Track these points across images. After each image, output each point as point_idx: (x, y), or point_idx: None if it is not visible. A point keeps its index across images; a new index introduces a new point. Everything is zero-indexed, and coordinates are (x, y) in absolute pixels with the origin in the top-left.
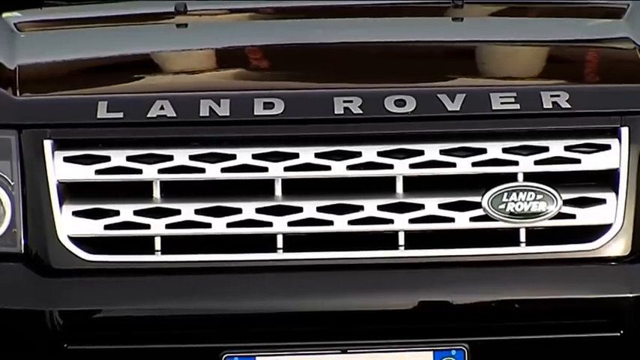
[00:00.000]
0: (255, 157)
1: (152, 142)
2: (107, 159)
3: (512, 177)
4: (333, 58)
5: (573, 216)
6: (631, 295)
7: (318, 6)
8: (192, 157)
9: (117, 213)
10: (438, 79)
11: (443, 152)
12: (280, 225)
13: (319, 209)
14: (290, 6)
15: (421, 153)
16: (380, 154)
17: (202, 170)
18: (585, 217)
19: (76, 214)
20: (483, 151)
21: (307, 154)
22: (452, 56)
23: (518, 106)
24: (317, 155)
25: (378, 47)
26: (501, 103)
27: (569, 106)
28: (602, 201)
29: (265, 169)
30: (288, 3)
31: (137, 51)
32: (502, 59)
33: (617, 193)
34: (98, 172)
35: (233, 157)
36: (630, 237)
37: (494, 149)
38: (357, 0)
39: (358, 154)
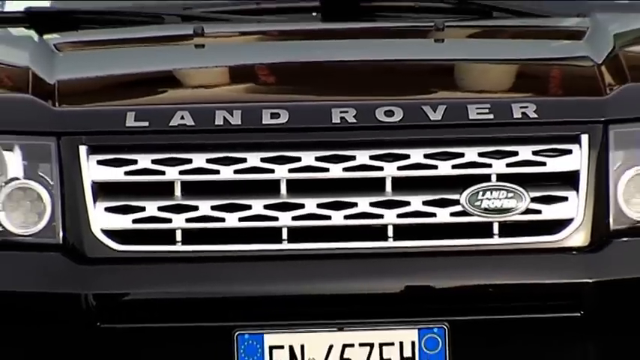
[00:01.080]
0: (263, 160)
1: (173, 147)
2: (134, 162)
3: (487, 177)
4: (330, 74)
5: (539, 212)
6: (590, 281)
7: (317, 29)
8: (208, 161)
9: (143, 209)
10: (422, 93)
11: (426, 156)
12: (285, 219)
13: (319, 205)
14: (293, 29)
15: (407, 157)
16: (371, 157)
17: (217, 172)
18: (550, 212)
19: (107, 209)
20: (461, 155)
21: (308, 158)
22: (434, 73)
23: (492, 116)
24: (317, 159)
25: (369, 65)
26: (477, 114)
27: (536, 116)
28: (565, 199)
29: (272, 171)
30: (291, 26)
31: (160, 68)
32: (478, 75)
33: (577, 192)
34: (127, 173)
35: (244, 160)
36: (589, 230)
37: (470, 153)
38: (351, 24)
39: (353, 158)
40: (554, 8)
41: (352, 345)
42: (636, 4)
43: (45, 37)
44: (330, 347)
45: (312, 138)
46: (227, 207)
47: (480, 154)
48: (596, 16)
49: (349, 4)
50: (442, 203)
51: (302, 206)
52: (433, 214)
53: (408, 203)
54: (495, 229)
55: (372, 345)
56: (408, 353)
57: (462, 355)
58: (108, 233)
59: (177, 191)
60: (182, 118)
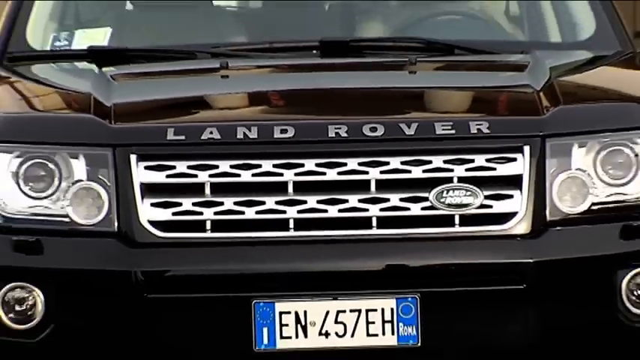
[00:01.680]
0: (274, 166)
1: (204, 156)
2: (174, 167)
3: (450, 180)
4: (327, 98)
5: (491, 206)
6: (531, 260)
7: (316, 63)
8: (231, 166)
9: (180, 204)
10: (398, 113)
11: (402, 163)
12: (291, 212)
13: (318, 202)
14: (298, 63)
15: (387, 163)
16: (359, 164)
17: (238, 175)
18: (499, 207)
19: (152, 204)
20: (430, 162)
21: (310, 164)
22: (408, 97)
23: (453, 132)
24: (316, 165)
25: (357, 91)
26: (442, 130)
27: (488, 132)
28: (511, 196)
29: (281, 175)
30: (296, 61)
31: (193, 93)
32: (443, 99)
33: (521, 191)
34: (167, 176)
35: (259, 166)
36: (530, 221)
37: (437, 161)
38: (343, 59)
39: (345, 164)
40: (502, 47)
41: (344, 311)
42: (568, 44)
43: (103, 69)
44: (327, 312)
45: (312, 149)
46: (246, 203)
47: (445, 162)
48: (536, 53)
49: (341, 44)
50: (415, 200)
51: (305, 202)
52: (408, 208)
53: (388, 200)
54: (456, 220)
55: (359, 311)
56: (387, 317)
57: (429, 318)
58: (153, 223)
59: (207, 190)
60: (211, 132)
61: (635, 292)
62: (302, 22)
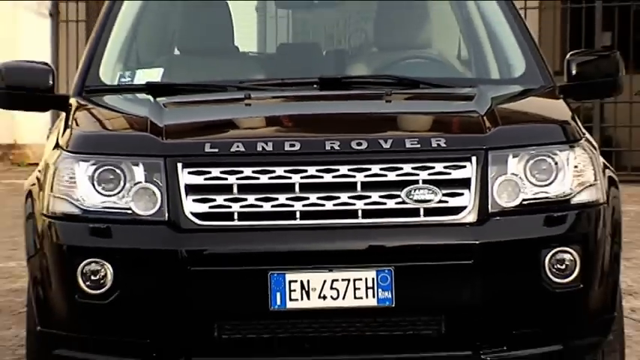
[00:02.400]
0: (285, 171)
1: (232, 164)
2: (210, 172)
3: (416, 182)
4: (324, 120)
5: (447, 202)
6: (477, 242)
7: (317, 94)
8: (253, 172)
9: (214, 200)
10: (378, 131)
11: (381, 169)
12: (298, 206)
13: (318, 198)
14: (303, 94)
15: (370, 169)
16: (349, 170)
17: (258, 178)
18: (453, 202)
19: (193, 200)
20: (401, 168)
21: (312, 170)
22: (385, 120)
23: (419, 146)
24: (317, 170)
25: (347, 115)
26: (410, 144)
27: (445, 146)
28: (462, 194)
29: (290, 178)
30: (301, 92)
31: (224, 117)
32: (411, 121)
33: (469, 190)
34: (205, 179)
35: (274, 171)
36: (476, 213)
37: (407, 168)
38: (336, 91)
39: (337, 170)
40: (455, 82)
41: (337, 280)
42: (504, 80)
43: (157, 99)
44: (324, 281)
45: (313, 158)
46: (264, 199)
47: (412, 168)
48: (480, 87)
49: (335, 80)
50: (390, 197)
51: (308, 198)
52: (385, 203)
53: (370, 197)
54: (421, 212)
55: (349, 280)
56: (370, 284)
57: (401, 285)
58: (194, 214)
59: (235, 189)
60: (237, 146)
61: (555, 266)
62: (306, 64)
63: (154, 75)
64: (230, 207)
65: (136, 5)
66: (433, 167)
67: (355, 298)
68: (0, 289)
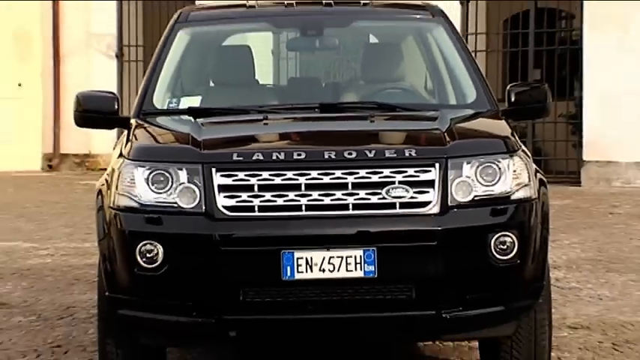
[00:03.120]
0: (293, 174)
1: (254, 168)
2: (236, 175)
3: (394, 182)
4: (323, 136)
5: (417, 198)
6: (439, 228)
7: (318, 116)
8: (269, 175)
9: (240, 196)
10: (364, 144)
11: (367, 173)
12: (303, 201)
13: (319, 195)
14: (307, 116)
15: (358, 173)
16: (342, 173)
17: (273, 179)
18: (422, 198)
19: (224, 197)
20: (382, 172)
21: (314, 173)
22: (369, 135)
23: (395, 155)
24: (318, 174)
25: (341, 131)
26: (388, 154)
27: (415, 155)
28: (428, 192)
29: (297, 179)
30: (306, 114)
31: (247, 133)
32: (389, 136)
33: (434, 189)
34: (233, 180)
35: (285, 174)
36: (439, 206)
37: (386, 172)
38: (333, 113)
39: (333, 173)
40: (423, 107)
41: (333, 257)
42: (460, 105)
43: (196, 119)
44: (323, 258)
45: (315, 164)
46: (277, 195)
47: (390, 172)
48: (442, 110)
49: (332, 105)
50: (374, 194)
51: (311, 195)
52: (369, 199)
53: (358, 194)
54: (397, 205)
55: (342, 257)
56: (358, 260)
57: (382, 261)
58: (224, 207)
59: (255, 189)
60: (257, 155)
61: (498, 246)
62: (309, 93)
63: (194, 101)
64: (252, 202)
65: (180, 49)
66: (406, 171)
67: (347, 270)
68: (78, 264)
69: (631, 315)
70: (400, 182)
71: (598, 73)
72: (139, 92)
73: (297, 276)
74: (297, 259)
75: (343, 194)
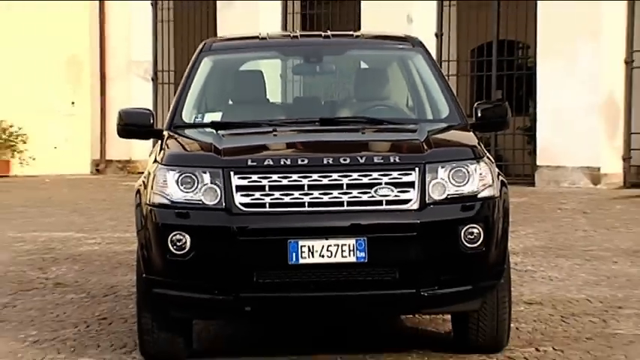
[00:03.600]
0: (298, 177)
1: (265, 172)
2: (251, 177)
3: (381, 183)
4: (323, 145)
5: (399, 196)
6: (418, 221)
7: (318, 129)
8: (278, 177)
9: (254, 195)
10: (356, 152)
11: (358, 175)
12: (306, 199)
13: (319, 194)
14: (309, 128)
15: (351, 175)
16: (338, 176)
17: (281, 181)
18: (404, 196)
19: (240, 195)
20: (372, 175)
21: (315, 176)
22: (361, 144)
23: (382, 161)
24: (318, 176)
25: (337, 141)
26: (377, 160)
27: (399, 161)
28: (409, 191)
29: (301, 181)
30: (309, 127)
31: (259, 143)
32: (377, 145)
33: (414, 189)
34: (248, 182)
35: (291, 177)
36: (418, 203)
37: (375, 175)
38: (332, 126)
39: (331, 176)
40: (405, 121)
41: (331, 245)
42: (435, 119)
43: (218, 131)
44: (323, 246)
45: (316, 169)
46: (284, 194)
47: (378, 175)
48: (421, 123)
49: (330, 119)
50: (364, 193)
51: (312, 194)
52: (361, 197)
53: (351, 193)
54: (384, 202)
55: (338, 245)
56: (352, 248)
57: (372, 249)
58: (240, 204)
59: (266, 189)
60: (268, 161)
61: (467, 236)
62: (311, 109)
63: (216, 116)
64: (263, 200)
65: (204, 73)
66: (391, 174)
67: (342, 256)
68: (121, 251)
69: (576, 293)
70: (386, 183)
71: (548, 94)
72: (171, 109)
73: (301, 261)
74: (301, 246)
75: (339, 193)
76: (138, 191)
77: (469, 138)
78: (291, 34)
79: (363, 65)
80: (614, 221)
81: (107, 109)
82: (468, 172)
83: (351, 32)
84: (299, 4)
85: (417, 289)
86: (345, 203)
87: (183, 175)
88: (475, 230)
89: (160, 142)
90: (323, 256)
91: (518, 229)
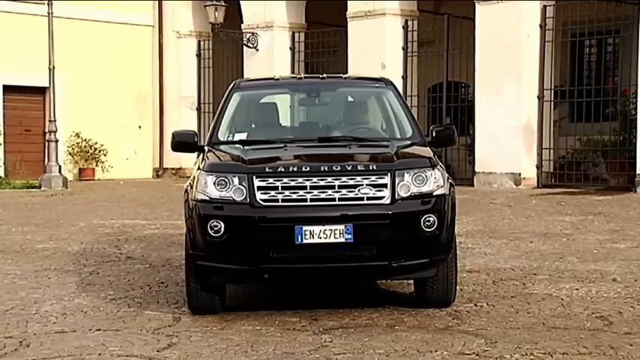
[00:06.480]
0: (302, 180)
1: (278, 176)
2: (268, 180)
3: (362, 184)
4: (320, 156)
5: (376, 194)
6: (390, 212)
7: (317, 145)
8: (287, 179)
9: (270, 193)
10: (345, 161)
11: (346, 178)
12: (308, 197)
13: (317, 192)
14: (310, 144)
15: (341, 179)
16: (331, 179)
17: (290, 183)
18: (379, 194)
19: (260, 193)
20: (356, 178)
21: (315, 179)
22: (348, 156)
23: (363, 168)
24: (317, 179)
25: (330, 154)
26: (359, 167)
27: (376, 168)
28: (383, 190)
29: (304, 182)
30: (310, 144)
31: (274, 155)
32: (360, 157)
33: (387, 189)
34: (266, 184)
35: (297, 179)
36: (390, 199)
37: (359, 178)
38: (328, 142)
39: (326, 179)
40: (380, 140)
41: (326, 229)
42: (402, 138)
43: (244, 147)
44: (320, 230)
45: (316, 174)
46: (292, 192)
47: (361, 178)
48: (392, 141)
49: (326, 138)
50: (350, 192)
51: (313, 192)
52: (348, 195)
53: (341, 191)
54: (365, 199)
55: (332, 229)
56: (341, 232)
57: (356, 232)
58: (261, 200)
59: (279, 188)
60: (280, 168)
61: (425, 223)
62: (312, 131)
63: (243, 136)
64: (277, 197)
65: (234, 104)
66: (370, 178)
67: (334, 238)
68: (174, 233)
69: (503, 264)
70: (367, 184)
71: (483, 120)
72: (210, 130)
73: (305, 241)
74: (305, 230)
75: (332, 192)
76: (186, 190)
77: (427, 152)
78: (298, 77)
79: (350, 99)
80: (531, 212)
81: (164, 130)
82: (426, 177)
83: (340, 75)
84: (303, 54)
85: (389, 261)
86: (337, 199)
87: (218, 179)
88: (431, 219)
89: (201, 154)
90: (320, 238)
91: (462, 217)
